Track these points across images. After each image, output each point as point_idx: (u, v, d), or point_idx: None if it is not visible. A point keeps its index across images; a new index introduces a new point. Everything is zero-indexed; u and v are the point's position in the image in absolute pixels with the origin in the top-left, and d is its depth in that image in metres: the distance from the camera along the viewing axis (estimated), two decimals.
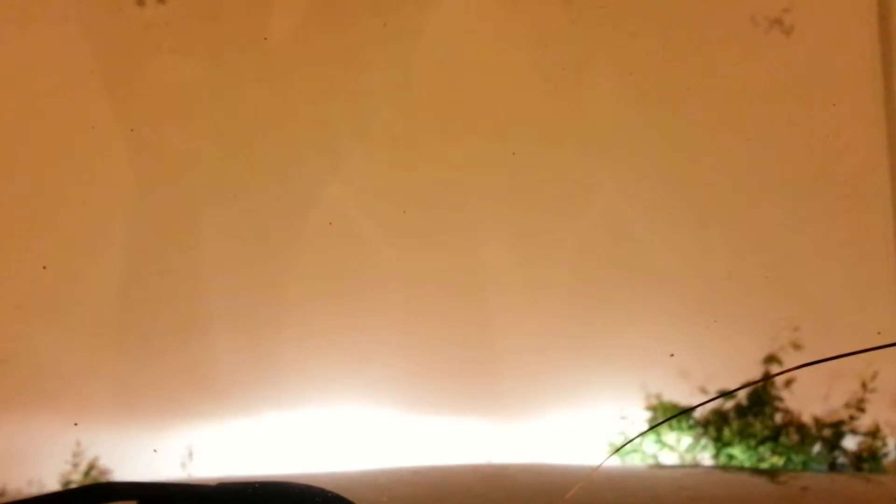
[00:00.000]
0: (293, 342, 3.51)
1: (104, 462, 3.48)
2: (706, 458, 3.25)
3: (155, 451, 3.47)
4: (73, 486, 3.29)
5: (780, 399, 3.32)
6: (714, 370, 3.38)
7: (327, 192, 3.59)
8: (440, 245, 3.55)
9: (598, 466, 1.90)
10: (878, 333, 3.36)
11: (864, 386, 3.27)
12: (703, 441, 3.26)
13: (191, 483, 2.10)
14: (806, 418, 3.35)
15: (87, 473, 3.43)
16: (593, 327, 3.47)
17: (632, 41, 3.57)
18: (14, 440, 3.50)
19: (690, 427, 3.29)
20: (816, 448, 3.27)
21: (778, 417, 3.30)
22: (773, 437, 3.21)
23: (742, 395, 3.32)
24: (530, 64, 3.61)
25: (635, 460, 3.28)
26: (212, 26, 3.64)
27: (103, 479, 3.43)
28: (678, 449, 3.26)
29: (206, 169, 3.61)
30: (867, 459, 3.27)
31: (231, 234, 3.59)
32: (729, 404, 3.33)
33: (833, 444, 3.28)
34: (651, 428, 3.33)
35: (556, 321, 3.49)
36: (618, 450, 3.30)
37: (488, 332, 3.51)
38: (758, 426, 3.22)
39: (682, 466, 3.03)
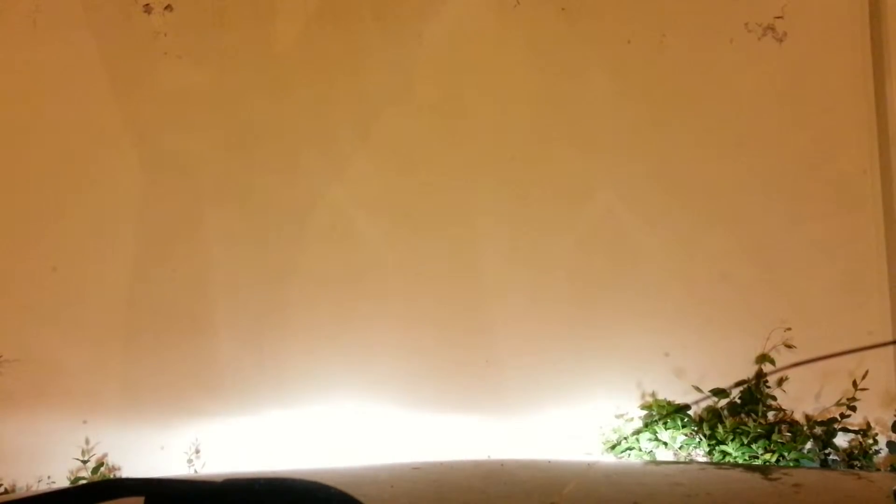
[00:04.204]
0: (297, 342, 3.54)
1: (112, 459, 3.52)
2: (700, 454, 3.27)
3: (162, 448, 3.51)
4: (82, 482, 3.32)
5: (773, 397, 3.34)
6: (708, 369, 3.43)
7: (330, 195, 3.62)
8: (441, 247, 3.57)
9: (595, 462, 1.94)
10: (869, 333, 3.42)
11: (855, 384, 3.29)
12: (698, 438, 3.29)
13: (197, 479, 2.11)
14: (798, 416, 3.37)
15: (95, 470, 3.47)
16: (590, 327, 3.49)
17: (628, 47, 3.60)
18: (24, 438, 3.54)
19: (685, 424, 3.33)
20: (808, 445, 3.27)
21: (770, 415, 3.32)
22: (766, 434, 3.21)
23: (735, 394, 3.35)
24: (528, 70, 3.63)
25: (631, 456, 3.31)
26: (217, 33, 3.66)
27: (112, 476, 3.48)
28: (673, 446, 3.30)
29: (212, 172, 3.64)
30: (858, 457, 3.27)
31: (236, 237, 3.62)
32: (722, 402, 3.36)
33: (825, 441, 3.29)
34: (646, 425, 3.35)
35: (554, 322, 3.51)
36: (614, 446, 3.34)
37: (488, 332, 3.53)
38: (751, 424, 3.23)
39: (676, 463, 3.02)
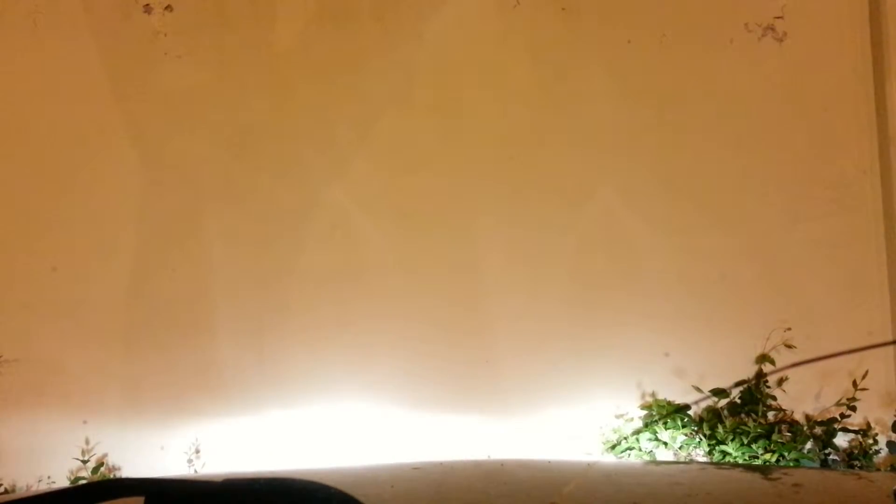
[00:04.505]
0: (297, 342, 3.54)
1: (112, 459, 3.53)
2: (700, 454, 3.27)
3: (162, 448, 3.52)
4: (82, 482, 3.32)
5: (773, 397, 3.34)
6: (708, 369, 3.43)
7: (331, 196, 3.62)
8: (440, 246, 3.57)
9: (595, 462, 1.94)
10: (869, 333, 3.42)
11: (855, 384, 3.29)
12: (698, 438, 3.29)
13: (197, 479, 2.12)
14: (798, 416, 3.37)
15: (95, 470, 3.47)
16: (590, 328, 3.49)
17: (628, 47, 3.60)
18: (24, 438, 3.55)
19: (685, 424, 3.33)
20: (808, 445, 3.28)
21: (770, 415, 3.32)
22: (766, 434, 3.21)
23: (735, 394, 3.35)
24: (528, 70, 3.63)
25: (631, 456, 3.31)
26: (217, 33, 3.66)
27: (112, 476, 3.48)
28: (673, 446, 3.30)
29: (212, 173, 3.64)
30: (858, 457, 3.28)
31: (236, 237, 3.62)
32: (722, 402, 3.36)
33: (825, 441, 3.29)
34: (646, 425, 3.35)
35: (554, 322, 3.51)
36: (614, 446, 3.35)
37: (488, 332, 3.53)
38: (751, 424, 3.23)
39: (676, 463, 3.02)
